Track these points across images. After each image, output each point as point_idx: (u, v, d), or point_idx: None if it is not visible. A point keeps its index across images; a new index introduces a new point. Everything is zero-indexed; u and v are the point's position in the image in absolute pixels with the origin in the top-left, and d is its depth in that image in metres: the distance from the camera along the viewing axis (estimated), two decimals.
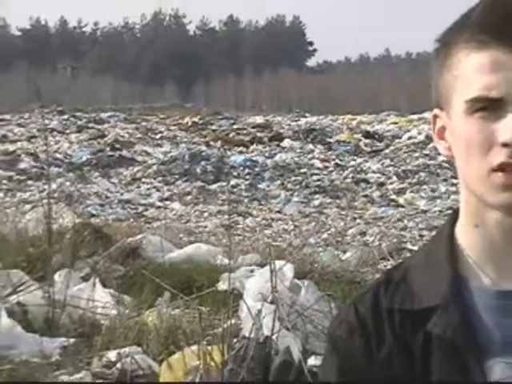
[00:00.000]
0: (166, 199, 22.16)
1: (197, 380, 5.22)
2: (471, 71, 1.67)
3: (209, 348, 5.40)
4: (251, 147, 28.48)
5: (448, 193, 21.48)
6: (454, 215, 1.83)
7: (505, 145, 1.63)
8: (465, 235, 1.79)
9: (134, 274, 8.71)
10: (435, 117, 1.78)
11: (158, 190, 23.21)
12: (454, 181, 20.51)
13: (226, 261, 8.79)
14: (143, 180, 24.41)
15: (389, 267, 6.99)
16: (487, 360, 1.69)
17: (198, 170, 24.98)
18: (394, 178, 24.43)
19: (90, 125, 31.76)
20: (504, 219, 1.71)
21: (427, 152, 25.72)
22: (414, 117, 31.35)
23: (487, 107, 1.65)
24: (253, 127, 31.68)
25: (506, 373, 1.68)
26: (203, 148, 27.74)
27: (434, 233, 1.96)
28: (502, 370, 1.68)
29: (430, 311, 1.74)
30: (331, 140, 29.31)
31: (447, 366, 1.70)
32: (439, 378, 1.70)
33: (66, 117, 32.55)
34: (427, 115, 25.91)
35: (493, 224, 1.73)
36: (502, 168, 1.64)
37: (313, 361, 5.36)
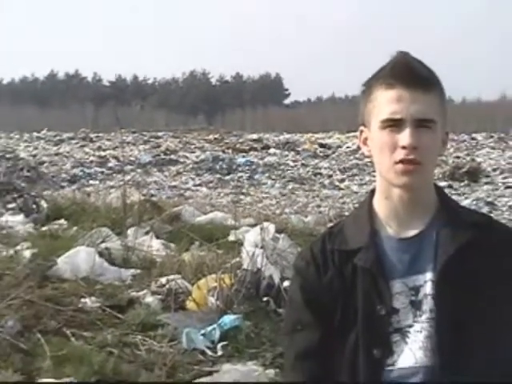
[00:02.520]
0: (197, 185, 22.13)
1: (215, 295, 5.21)
2: (383, 102, 1.68)
3: (222, 276, 5.38)
4: (250, 153, 28.44)
5: (371, 181, 21.44)
6: (372, 191, 1.83)
7: (403, 147, 1.65)
8: (378, 203, 1.78)
9: (176, 230, 8.67)
10: (361, 131, 1.78)
11: (192, 180, 23.16)
12: (374, 173, 20.51)
13: (233, 222, 8.79)
14: (183, 173, 24.36)
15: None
16: (391, 281, 1.70)
17: (217, 167, 24.94)
18: (338, 172, 24.39)
19: (151, 139, 31.69)
20: (403, 194, 1.72)
21: (358, 156, 25.69)
22: (350, 134, 31.17)
23: (393, 125, 1.67)
24: (251, 141, 31.57)
25: (401, 287, 1.70)
26: (220, 153, 27.68)
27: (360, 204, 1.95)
28: (400, 286, 1.70)
29: (356, 251, 1.73)
30: (299, 149, 29.24)
31: (367, 284, 1.71)
32: (362, 292, 1.71)
33: (136, 134, 32.40)
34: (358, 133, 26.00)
35: (396, 197, 1.73)
36: (402, 162, 1.66)
37: (286, 283, 5.33)
